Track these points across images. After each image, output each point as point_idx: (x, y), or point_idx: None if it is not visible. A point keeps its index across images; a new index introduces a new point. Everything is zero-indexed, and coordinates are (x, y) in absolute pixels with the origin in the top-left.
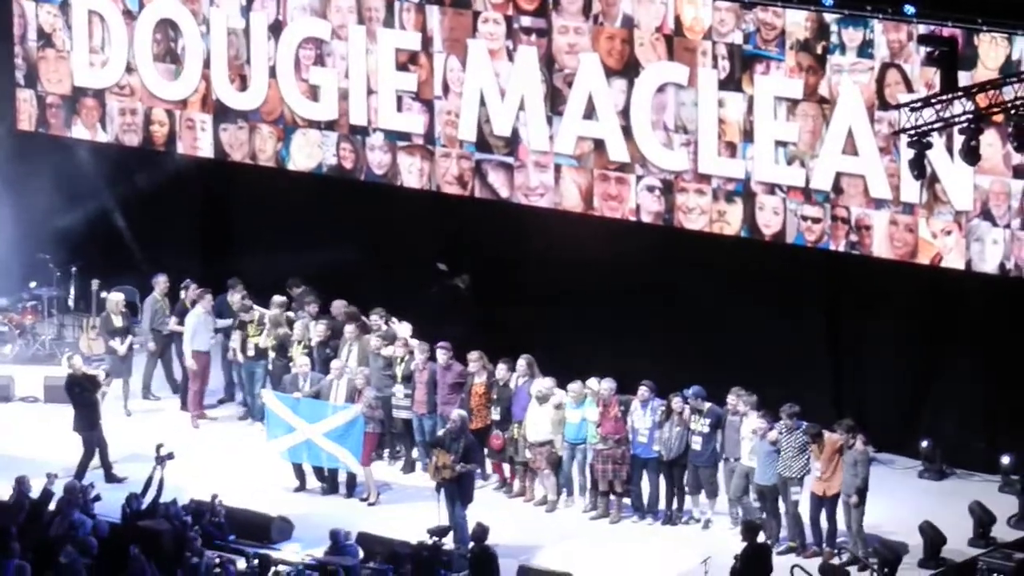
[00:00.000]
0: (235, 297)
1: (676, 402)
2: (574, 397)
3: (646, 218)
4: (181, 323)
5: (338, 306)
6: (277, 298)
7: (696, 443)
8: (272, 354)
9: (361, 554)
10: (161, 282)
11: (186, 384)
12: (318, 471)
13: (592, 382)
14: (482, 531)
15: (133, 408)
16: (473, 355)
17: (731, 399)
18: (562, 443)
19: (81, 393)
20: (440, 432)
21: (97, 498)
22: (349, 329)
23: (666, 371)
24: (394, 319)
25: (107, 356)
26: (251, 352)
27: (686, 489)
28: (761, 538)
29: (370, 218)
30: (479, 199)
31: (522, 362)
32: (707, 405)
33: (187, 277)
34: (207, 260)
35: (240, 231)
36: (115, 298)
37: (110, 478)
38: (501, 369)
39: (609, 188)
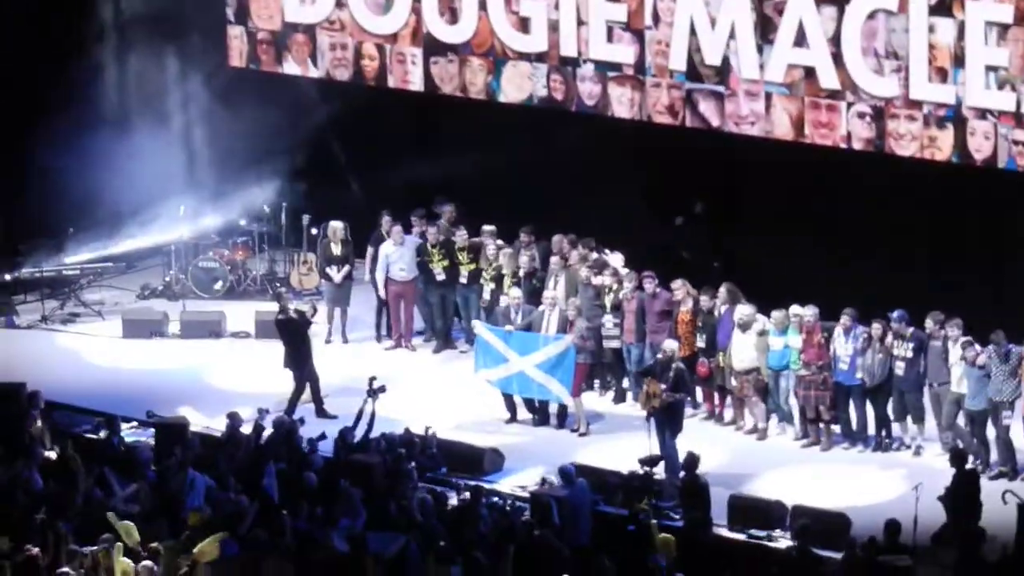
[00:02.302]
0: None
1: (878, 328)
2: (777, 324)
3: (857, 145)
4: (374, 253)
5: (557, 240)
6: (487, 227)
7: (900, 368)
8: (492, 284)
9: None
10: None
11: (380, 314)
12: (528, 402)
13: (795, 308)
14: (693, 460)
15: (349, 339)
16: (676, 283)
17: (929, 323)
18: (767, 370)
19: (292, 329)
20: (651, 361)
21: (323, 436)
22: (555, 260)
23: (871, 297)
24: (606, 250)
25: (324, 284)
26: (464, 279)
27: (891, 416)
28: (969, 465)
29: (581, 148)
30: (690, 128)
31: (723, 290)
32: (910, 330)
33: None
34: (414, 193)
35: (448, 164)
36: (335, 226)
37: (321, 413)
38: (704, 297)
39: (820, 115)
